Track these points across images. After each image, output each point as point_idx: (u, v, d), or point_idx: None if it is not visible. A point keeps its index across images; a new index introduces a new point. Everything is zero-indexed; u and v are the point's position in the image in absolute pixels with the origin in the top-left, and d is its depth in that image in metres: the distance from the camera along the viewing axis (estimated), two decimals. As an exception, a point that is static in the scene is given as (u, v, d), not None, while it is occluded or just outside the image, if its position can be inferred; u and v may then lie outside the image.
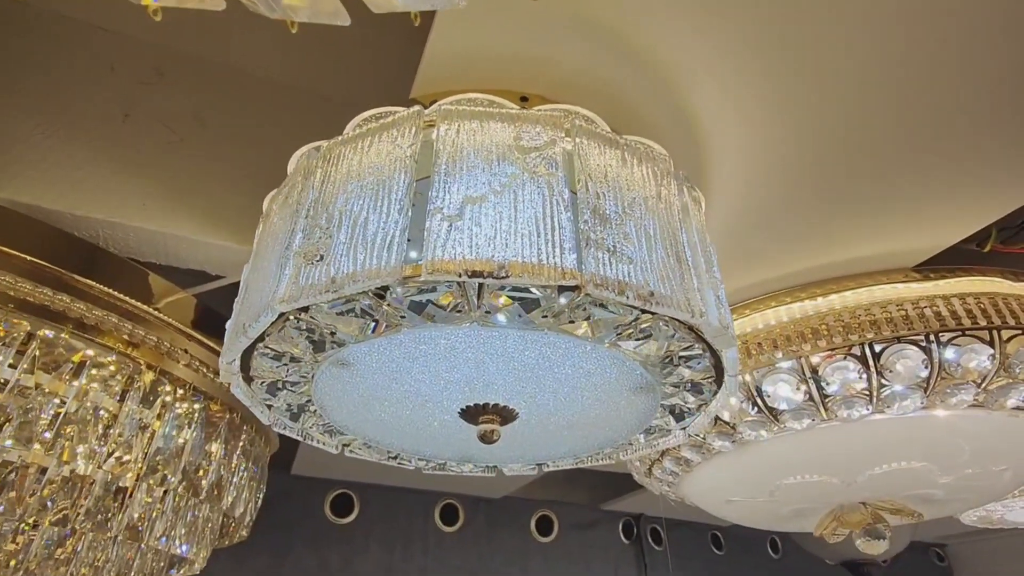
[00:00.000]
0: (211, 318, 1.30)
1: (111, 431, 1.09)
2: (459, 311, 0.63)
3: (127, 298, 1.12)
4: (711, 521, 3.53)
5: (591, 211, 0.64)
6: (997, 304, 1.15)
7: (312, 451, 2.35)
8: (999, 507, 1.96)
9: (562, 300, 0.61)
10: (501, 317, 0.64)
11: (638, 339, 0.69)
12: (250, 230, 1.20)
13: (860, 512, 1.43)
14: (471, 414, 0.87)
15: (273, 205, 0.83)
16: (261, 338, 0.71)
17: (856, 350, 1.16)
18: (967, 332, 1.12)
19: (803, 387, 1.19)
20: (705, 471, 1.46)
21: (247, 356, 0.77)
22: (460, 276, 0.57)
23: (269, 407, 0.90)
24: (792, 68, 0.87)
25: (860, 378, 1.14)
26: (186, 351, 1.22)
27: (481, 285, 0.60)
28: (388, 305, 0.62)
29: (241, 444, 1.38)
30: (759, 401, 1.24)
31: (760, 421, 1.26)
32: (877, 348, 1.14)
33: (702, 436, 1.36)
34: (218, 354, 1.28)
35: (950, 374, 1.12)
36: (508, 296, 0.61)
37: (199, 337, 1.25)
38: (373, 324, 0.65)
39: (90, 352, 1.06)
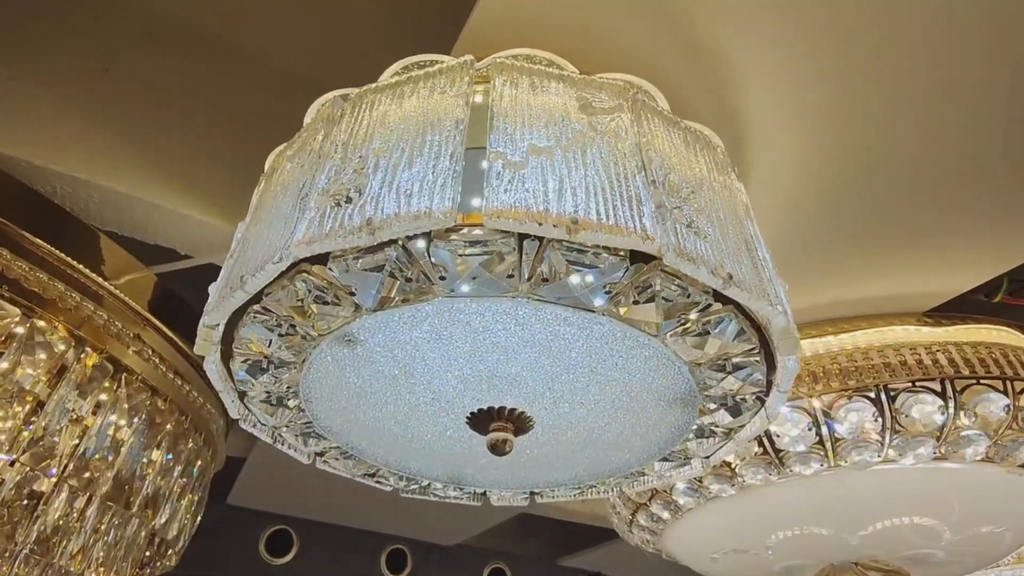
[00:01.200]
0: (173, 304, 1.15)
1: (35, 420, 0.92)
2: (511, 277, 0.54)
3: (79, 265, 0.97)
4: (668, 584, 3.38)
5: (664, 181, 0.57)
6: (1008, 356, 1.13)
7: (254, 478, 2.13)
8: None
9: (629, 270, 0.53)
10: (556, 290, 0.55)
11: (697, 334, 0.61)
12: (232, 209, 1.08)
13: (851, 572, 1.35)
14: (481, 421, 0.76)
15: (282, 159, 0.72)
16: (257, 298, 0.60)
17: (871, 392, 1.11)
18: (982, 381, 1.09)
19: (814, 429, 1.13)
20: (696, 519, 1.36)
21: (233, 324, 0.64)
22: (525, 223, 0.48)
23: (243, 396, 0.76)
24: (837, 94, 0.85)
25: (875, 421, 1.09)
26: (139, 337, 1.06)
27: (542, 245, 0.51)
28: (431, 256, 0.52)
29: (185, 455, 1.20)
30: (766, 441, 1.17)
31: (765, 464, 1.18)
32: (892, 392, 1.10)
33: (699, 479, 1.27)
34: (176, 346, 1.13)
35: (964, 423, 1.08)
36: (571, 262, 0.52)
37: (156, 323, 1.10)
38: (402, 286, 0.55)
39: (25, 321, 0.90)
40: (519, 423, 0.76)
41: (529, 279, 0.54)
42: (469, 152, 0.55)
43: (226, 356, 0.69)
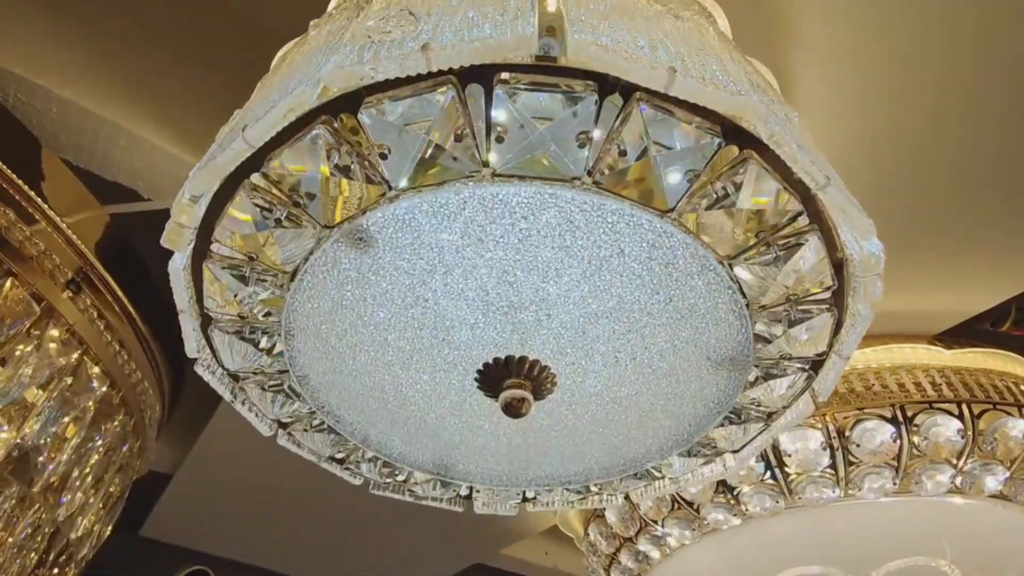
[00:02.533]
0: (123, 254, 0.99)
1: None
2: (582, 145, 0.45)
3: (18, 181, 0.82)
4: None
5: (746, 74, 0.50)
6: (1020, 384, 1.09)
7: (177, 503, 1.86)
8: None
9: (720, 149, 0.45)
10: (625, 179, 0.46)
11: (773, 258, 0.53)
12: (205, 143, 0.96)
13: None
14: (495, 376, 0.64)
15: (294, 49, 0.63)
16: (257, 163, 0.48)
17: (887, 412, 1.04)
18: (998, 406, 1.04)
19: (828, 450, 1.04)
20: (690, 557, 1.23)
21: (216, 209, 0.52)
22: (617, 62, 0.40)
23: (207, 322, 0.62)
24: (881, 89, 0.84)
25: (893, 442, 1.02)
26: (78, 282, 0.90)
27: (628, 104, 0.43)
28: (481, 121, 0.42)
29: (108, 438, 1.01)
30: (776, 464, 1.07)
31: (772, 491, 1.08)
32: (910, 411, 1.03)
33: (696, 507, 1.15)
34: (121, 305, 0.98)
35: (983, 450, 1.02)
36: (651, 134, 0.44)
37: (101, 271, 0.94)
38: (449, 153, 0.45)
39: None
40: (539, 382, 0.65)
41: (600, 160, 0.46)
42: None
43: (200, 255, 0.56)
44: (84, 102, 0.85)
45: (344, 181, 0.49)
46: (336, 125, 0.46)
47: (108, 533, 1.17)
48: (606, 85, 0.43)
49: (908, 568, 1.10)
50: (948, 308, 1.11)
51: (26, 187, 0.83)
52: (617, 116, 0.44)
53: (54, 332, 0.87)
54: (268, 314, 0.61)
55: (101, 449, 0.98)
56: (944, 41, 0.81)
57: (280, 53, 0.67)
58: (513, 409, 0.62)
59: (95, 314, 0.93)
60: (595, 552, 1.44)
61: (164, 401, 1.23)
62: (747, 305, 0.57)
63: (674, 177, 0.47)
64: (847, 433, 1.04)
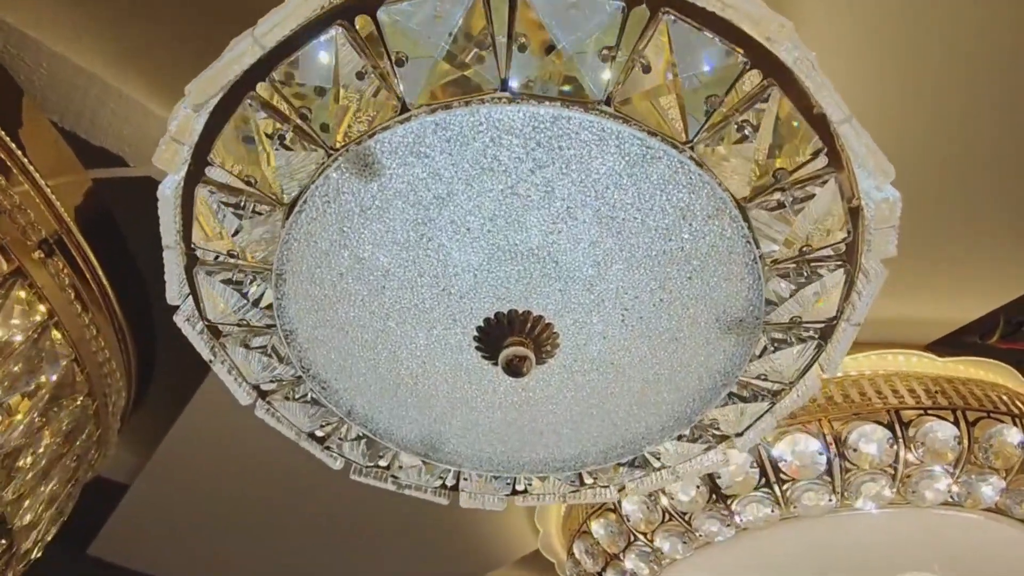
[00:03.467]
0: (102, 223, 0.95)
1: None
2: (604, 59, 0.44)
3: (5, 136, 0.79)
4: None
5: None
6: (1011, 398, 1.09)
7: (125, 521, 1.73)
8: None
9: (735, 63, 0.44)
10: (647, 94, 0.45)
11: (792, 206, 0.52)
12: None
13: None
14: (495, 333, 0.61)
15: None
16: (262, 73, 0.46)
17: (883, 418, 1.02)
18: (992, 415, 1.03)
19: (824, 455, 1.02)
20: (678, 573, 1.17)
21: (214, 128, 0.50)
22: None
23: (192, 258, 0.58)
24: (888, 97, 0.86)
25: (890, 447, 1.00)
26: (51, 245, 0.86)
27: (657, 12, 0.43)
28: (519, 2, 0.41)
29: (66, 419, 0.94)
30: (771, 470, 1.04)
31: (768, 499, 1.05)
32: (905, 417, 1.02)
33: (687, 516, 1.11)
34: (92, 276, 0.93)
35: (979, 458, 1.00)
36: (675, 54, 0.43)
37: (79, 238, 0.89)
38: (476, 56, 0.44)
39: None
40: (541, 342, 0.62)
41: (621, 81, 0.45)
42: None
43: (193, 179, 0.53)
44: (77, 59, 0.83)
45: (353, 101, 0.47)
46: (352, 30, 0.44)
47: (54, 532, 1.08)
48: (633, -4, 0.42)
49: (907, 586, 1.06)
50: (939, 316, 1.12)
51: (7, 138, 0.79)
52: (644, 29, 0.43)
53: (20, 294, 0.82)
54: (265, 245, 0.58)
55: (58, 429, 0.91)
56: (942, 51, 0.84)
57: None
58: (514, 368, 0.59)
59: (66, 281, 0.88)
60: (579, 574, 1.37)
61: (130, 391, 1.16)
62: (760, 257, 0.56)
63: (695, 102, 0.46)
64: (843, 438, 1.02)
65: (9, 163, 0.80)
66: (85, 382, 0.96)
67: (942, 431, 1.00)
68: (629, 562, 1.21)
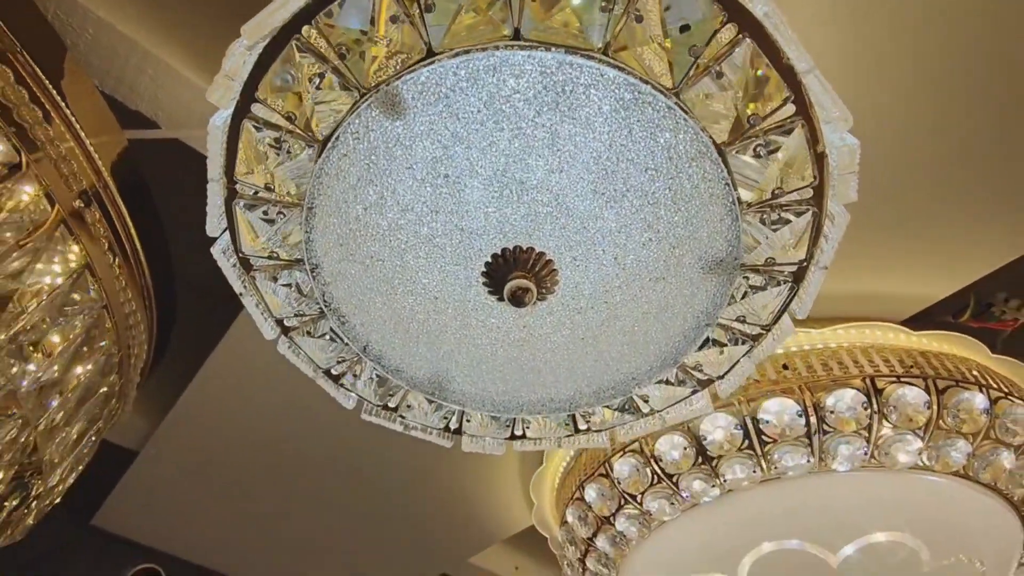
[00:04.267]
0: (135, 182, 1.02)
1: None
2: (603, 10, 0.51)
3: (54, 92, 0.86)
4: None
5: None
6: (979, 371, 1.16)
7: (129, 497, 1.78)
8: None
9: (713, 15, 0.52)
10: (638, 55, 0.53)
11: (765, 152, 0.59)
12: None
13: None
14: (502, 267, 0.68)
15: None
16: (306, 17, 0.54)
17: (859, 383, 1.09)
18: (960, 384, 1.10)
19: (803, 417, 1.09)
20: (669, 535, 1.23)
21: (260, 71, 0.57)
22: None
23: (233, 192, 0.65)
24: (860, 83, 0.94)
25: (864, 410, 1.07)
26: (90, 197, 0.93)
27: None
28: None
29: (95, 361, 1.00)
30: (753, 432, 1.11)
31: (750, 459, 1.11)
32: (879, 384, 1.09)
33: (675, 477, 1.17)
34: (124, 230, 1.00)
35: (947, 423, 1.07)
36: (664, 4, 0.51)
37: (114, 191, 0.97)
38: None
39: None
40: (542, 277, 0.69)
41: (618, 31, 0.52)
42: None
43: (240, 113, 0.60)
44: (120, 27, 0.90)
45: (384, 44, 0.55)
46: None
47: (72, 480, 1.14)
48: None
49: (877, 545, 1.12)
50: (914, 293, 1.19)
51: (57, 95, 0.87)
52: (637, -18, 0.51)
53: (61, 238, 0.89)
54: (293, 188, 0.65)
55: (86, 371, 0.98)
56: (920, 43, 0.93)
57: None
58: (517, 298, 0.66)
59: (101, 232, 0.95)
60: (572, 541, 1.42)
61: (150, 349, 1.23)
62: (737, 200, 0.63)
63: (680, 52, 0.54)
64: (822, 403, 1.09)
65: (57, 118, 0.87)
66: (113, 330, 1.02)
67: (913, 397, 1.07)
68: (620, 524, 1.27)
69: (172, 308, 1.24)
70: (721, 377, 0.82)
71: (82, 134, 0.90)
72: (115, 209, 0.98)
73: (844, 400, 1.08)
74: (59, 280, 0.89)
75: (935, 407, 1.07)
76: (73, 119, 0.89)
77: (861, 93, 0.99)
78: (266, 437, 1.64)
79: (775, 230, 0.66)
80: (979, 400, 1.07)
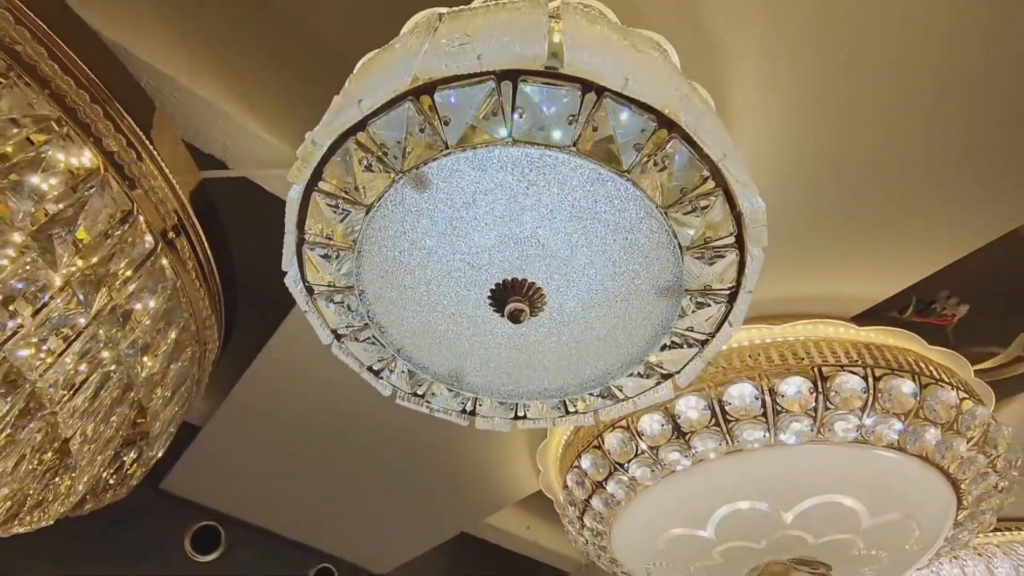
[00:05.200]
0: (210, 214, 1.26)
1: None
2: (571, 118, 0.72)
3: (147, 140, 1.09)
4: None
5: (688, 86, 0.79)
6: (916, 360, 1.37)
7: (193, 465, 2.08)
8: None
9: (657, 131, 0.72)
10: (599, 149, 0.74)
11: (693, 210, 0.80)
12: (282, 129, 1.24)
13: (782, 567, 1.47)
14: (503, 292, 0.90)
15: (374, 59, 0.91)
16: (361, 125, 0.75)
17: (808, 372, 1.30)
18: (895, 372, 1.31)
19: (760, 399, 1.30)
20: (647, 500, 1.47)
21: (325, 160, 0.79)
22: (593, 72, 0.68)
23: (302, 241, 0.88)
24: (802, 105, 1.12)
25: (811, 395, 1.28)
26: (178, 228, 1.16)
27: (599, 99, 0.71)
28: (519, 90, 0.70)
29: (182, 358, 1.26)
30: (719, 412, 1.33)
31: (716, 434, 1.34)
32: (826, 373, 1.30)
33: (655, 449, 1.40)
34: (203, 253, 1.23)
35: (882, 405, 1.28)
36: (615, 118, 0.72)
37: (195, 220, 1.20)
38: (492, 115, 0.72)
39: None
40: (534, 300, 0.91)
41: (585, 124, 0.73)
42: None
43: (309, 189, 0.82)
44: (197, 91, 1.13)
45: (414, 144, 0.76)
46: (418, 104, 0.73)
47: (173, 432, 1.39)
48: (587, 87, 0.70)
49: (823, 504, 1.35)
50: (862, 293, 1.39)
51: (150, 145, 1.10)
52: (593, 106, 0.71)
53: (163, 261, 1.13)
54: (350, 234, 0.87)
55: (181, 364, 1.23)
56: (850, 87, 1.10)
57: (363, 60, 0.94)
58: (514, 316, 0.88)
59: (187, 255, 1.19)
60: (572, 502, 1.67)
61: (219, 347, 1.48)
62: (679, 245, 0.84)
63: (628, 149, 0.74)
64: (776, 388, 1.31)
65: (151, 163, 1.10)
66: (195, 333, 1.27)
67: (853, 383, 1.28)
68: (610, 488, 1.51)
69: (235, 311, 1.49)
70: (679, 372, 1.04)
71: (170, 175, 1.14)
72: (196, 235, 1.22)
73: (795, 386, 1.29)
74: (160, 299, 1.13)
75: (871, 392, 1.28)
76: (163, 163, 1.12)
77: (807, 109, 1.15)
78: (312, 417, 1.90)
79: (710, 265, 0.87)
80: (908, 386, 1.28)
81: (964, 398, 1.34)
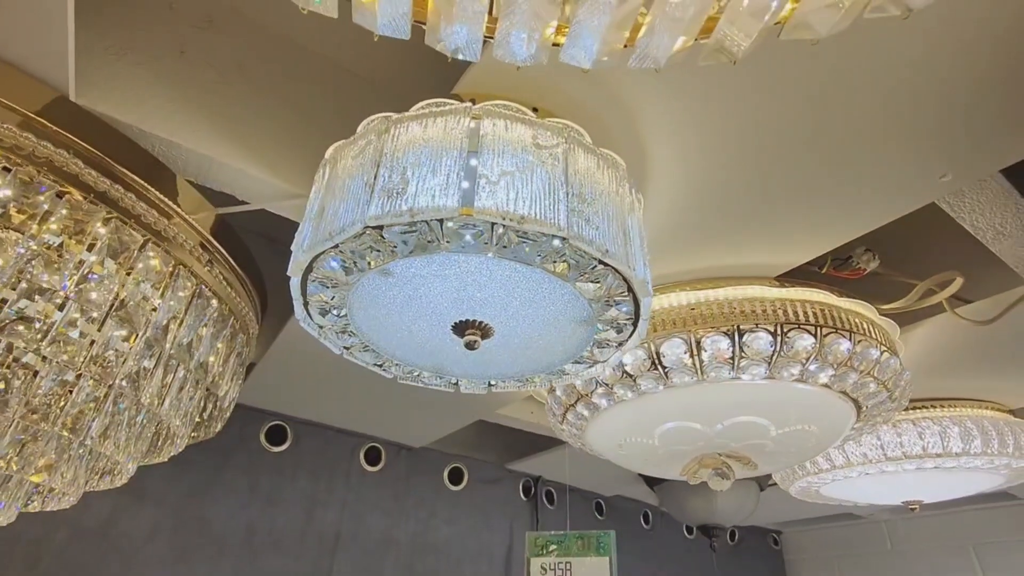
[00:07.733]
0: (227, 234, 1.53)
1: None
2: (485, 243, 0.97)
3: (164, 198, 1.34)
4: (596, 491, 4.03)
5: (577, 194, 1.00)
6: (824, 310, 1.64)
7: (261, 380, 2.57)
8: (816, 480, 2.54)
9: (555, 243, 0.96)
10: (511, 252, 0.98)
11: (592, 281, 1.06)
12: (277, 165, 1.45)
13: (714, 459, 1.90)
14: (460, 328, 1.20)
15: (341, 153, 1.11)
16: (335, 245, 1.01)
17: (728, 330, 1.60)
18: (801, 326, 1.59)
19: (689, 352, 1.62)
20: (608, 416, 1.87)
21: (315, 260, 1.06)
22: (496, 219, 0.91)
23: (306, 305, 1.18)
24: (719, 135, 1.28)
25: (728, 350, 1.59)
26: (208, 250, 1.45)
27: (505, 228, 0.94)
28: (443, 230, 0.94)
29: (233, 338, 1.62)
30: (657, 361, 1.66)
31: (655, 376, 1.68)
32: (743, 329, 1.59)
33: (611, 386, 1.77)
34: (229, 264, 1.53)
35: (786, 354, 1.59)
36: (519, 237, 0.96)
37: (215, 243, 1.48)
38: (427, 243, 0.97)
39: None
40: (484, 331, 1.21)
41: (496, 246, 0.97)
42: (467, 166, 0.96)
43: (305, 277, 1.10)
44: (202, 150, 1.35)
45: (375, 254, 1.02)
46: (372, 236, 0.97)
47: (238, 391, 1.83)
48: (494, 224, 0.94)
49: (741, 422, 1.73)
50: (782, 262, 1.63)
51: (166, 198, 1.35)
52: (503, 233, 0.95)
53: (191, 282, 1.44)
54: (338, 300, 1.16)
55: (237, 349, 1.61)
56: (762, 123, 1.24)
57: (330, 152, 1.15)
58: (470, 345, 1.19)
59: (219, 270, 1.50)
60: (553, 414, 2.10)
61: (258, 327, 1.84)
62: (589, 300, 1.11)
63: (533, 256, 0.99)
64: (700, 342, 1.62)
65: (169, 211, 1.37)
66: (241, 324, 1.62)
67: (761, 338, 1.58)
68: (579, 408, 1.92)
69: (264, 303, 1.82)
70: (605, 361, 1.35)
71: (188, 218, 1.41)
72: (220, 255, 1.51)
73: (716, 342, 1.60)
74: (210, 325, 1.47)
75: (777, 344, 1.58)
76: (181, 210, 1.39)
77: (734, 111, 1.32)
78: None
79: (615, 306, 1.14)
80: (807, 339, 1.57)
81: (860, 340, 1.63)
